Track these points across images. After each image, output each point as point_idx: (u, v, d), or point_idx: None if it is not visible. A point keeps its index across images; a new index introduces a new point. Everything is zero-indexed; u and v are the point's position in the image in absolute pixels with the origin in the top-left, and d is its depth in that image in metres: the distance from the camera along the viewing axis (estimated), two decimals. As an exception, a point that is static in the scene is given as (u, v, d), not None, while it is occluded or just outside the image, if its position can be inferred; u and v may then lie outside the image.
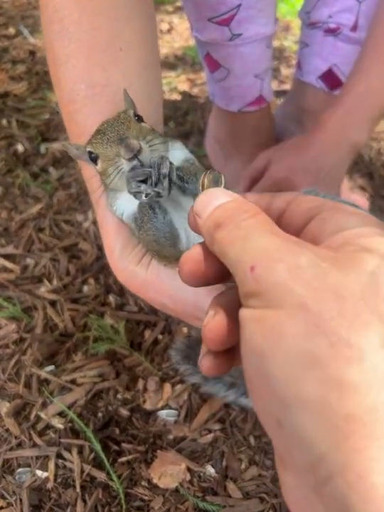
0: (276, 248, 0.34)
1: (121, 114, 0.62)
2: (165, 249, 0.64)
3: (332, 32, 1.23)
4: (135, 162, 0.56)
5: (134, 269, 0.69)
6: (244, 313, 0.35)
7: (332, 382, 0.29)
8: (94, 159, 0.63)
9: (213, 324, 0.40)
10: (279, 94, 1.99)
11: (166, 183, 0.56)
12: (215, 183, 0.46)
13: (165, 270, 0.68)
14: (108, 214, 0.70)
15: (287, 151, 1.15)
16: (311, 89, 1.33)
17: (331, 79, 1.29)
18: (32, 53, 2.43)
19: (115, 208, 0.66)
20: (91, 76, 0.69)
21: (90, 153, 0.63)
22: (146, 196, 0.58)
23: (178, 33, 2.63)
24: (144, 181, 0.58)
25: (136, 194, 0.58)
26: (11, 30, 2.66)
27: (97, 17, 0.68)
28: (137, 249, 0.70)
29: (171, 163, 0.57)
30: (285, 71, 2.30)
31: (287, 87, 2.10)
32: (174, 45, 2.50)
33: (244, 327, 0.35)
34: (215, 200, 0.41)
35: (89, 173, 0.70)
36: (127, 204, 0.64)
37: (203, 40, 1.12)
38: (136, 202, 0.62)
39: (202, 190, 0.45)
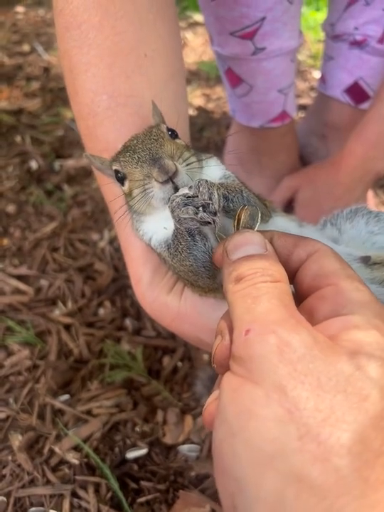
0: (275, 320, 0.35)
1: (153, 130, 0.56)
2: (202, 280, 0.57)
3: (358, 44, 1.19)
4: (169, 185, 0.51)
5: (165, 300, 0.64)
6: (226, 376, 0.37)
7: (292, 477, 0.28)
8: (120, 179, 0.57)
9: (222, 346, 0.42)
10: (296, 108, 1.95)
11: (218, 209, 0.49)
12: (252, 219, 0.45)
13: (202, 301, 0.62)
14: (133, 238, 0.64)
15: (313, 175, 1.12)
16: (336, 104, 1.28)
17: (357, 92, 1.24)
18: (46, 70, 2.43)
19: (141, 232, 0.60)
20: (113, 85, 0.64)
21: (117, 171, 0.57)
22: (201, 224, 0.51)
23: (191, 49, 2.61)
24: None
25: (181, 219, 0.51)
26: (26, 48, 2.67)
27: (119, 21, 0.62)
28: (167, 276, 0.64)
29: (218, 188, 0.50)
30: (301, 85, 2.26)
31: (304, 101, 2.07)
32: (188, 60, 2.48)
33: (221, 393, 0.36)
34: (248, 247, 0.42)
35: (112, 195, 0.65)
36: (156, 229, 0.58)
37: (225, 54, 1.08)
38: (168, 226, 0.56)
39: (237, 225, 0.44)
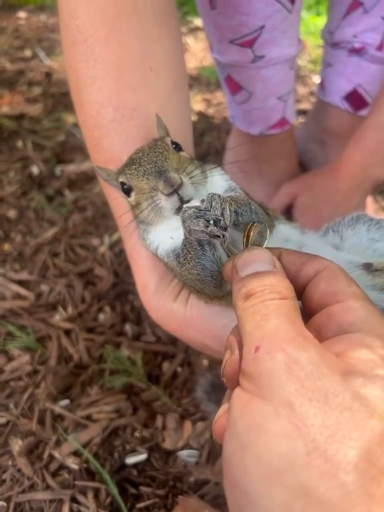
0: (284, 337, 0.36)
1: (158, 143, 0.57)
2: (209, 289, 0.58)
3: (357, 52, 1.19)
4: (174, 197, 0.52)
5: (171, 307, 0.65)
6: (236, 392, 0.38)
7: (300, 491, 0.29)
8: (126, 191, 0.58)
9: (231, 361, 0.43)
10: (296, 114, 1.96)
11: (229, 224, 0.50)
12: (260, 236, 0.47)
13: (208, 308, 0.63)
14: (139, 247, 0.65)
15: (312, 182, 1.13)
16: (335, 110, 1.29)
17: (355, 99, 1.25)
18: (48, 75, 2.45)
19: (148, 242, 0.61)
20: (119, 98, 0.65)
21: (123, 183, 0.58)
22: (210, 237, 0.51)
23: (192, 54, 2.63)
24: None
25: (192, 230, 0.51)
26: (27, 53, 2.68)
27: (126, 36, 0.63)
28: (173, 284, 0.65)
29: (230, 203, 0.51)
30: (301, 90, 2.27)
31: (304, 106, 2.08)
32: (189, 65, 2.49)
33: (231, 409, 0.37)
34: (257, 264, 0.43)
35: (121, 206, 0.66)
36: (162, 238, 0.59)
37: (224, 62, 1.09)
38: (175, 236, 0.57)
39: (246, 242, 0.46)
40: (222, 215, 0.49)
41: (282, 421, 0.32)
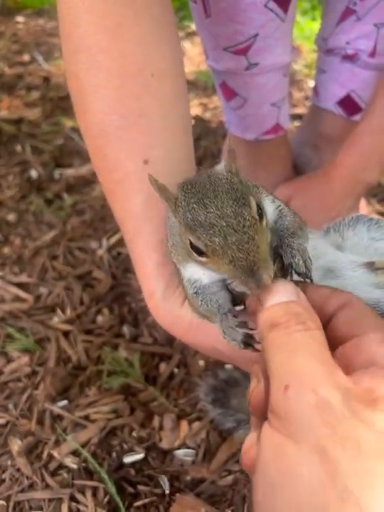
0: (315, 375, 0.36)
1: (245, 213, 0.47)
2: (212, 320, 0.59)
3: (350, 58, 1.22)
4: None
5: (178, 312, 0.64)
6: (265, 431, 0.37)
7: None
8: (196, 250, 0.50)
9: (257, 391, 0.42)
10: (291, 118, 1.98)
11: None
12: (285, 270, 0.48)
13: None
14: (146, 255, 0.66)
15: (306, 185, 1.15)
16: (329, 115, 1.32)
17: (349, 105, 1.27)
18: (46, 80, 2.47)
19: (183, 270, 0.60)
20: (124, 107, 0.65)
21: (193, 244, 0.49)
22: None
23: (189, 58, 2.65)
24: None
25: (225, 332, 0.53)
26: (26, 57, 2.70)
27: (127, 44, 0.64)
28: (180, 289, 0.65)
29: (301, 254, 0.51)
30: (297, 95, 2.29)
31: (299, 110, 2.10)
32: (186, 69, 2.51)
33: (262, 449, 0.37)
34: (282, 295, 0.43)
35: (126, 213, 0.67)
36: (196, 270, 0.57)
37: (219, 69, 1.11)
38: (205, 275, 0.57)
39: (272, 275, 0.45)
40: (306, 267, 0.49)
41: (315, 467, 0.31)
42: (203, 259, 0.50)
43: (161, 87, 0.67)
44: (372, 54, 1.19)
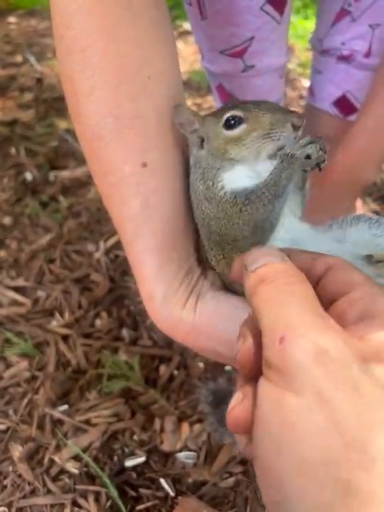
0: (309, 325, 0.35)
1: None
2: (248, 240, 0.60)
3: (345, 59, 1.22)
4: (296, 134, 0.55)
5: (179, 315, 0.63)
6: (263, 386, 0.36)
7: (339, 484, 0.29)
8: (233, 124, 0.58)
9: (245, 348, 0.42)
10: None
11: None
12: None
13: (217, 313, 0.63)
14: (145, 257, 0.65)
15: None
16: (325, 116, 1.32)
17: (345, 105, 1.27)
18: (39, 81, 2.46)
19: (218, 181, 0.61)
20: (119, 108, 0.63)
21: (233, 117, 0.58)
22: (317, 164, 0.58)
23: (182, 58, 2.65)
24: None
25: (293, 155, 0.56)
26: (18, 58, 2.69)
27: (124, 44, 0.62)
28: (180, 291, 0.64)
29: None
30: (290, 93, 2.30)
31: (294, 109, 2.10)
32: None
33: (260, 404, 0.36)
34: (266, 257, 0.42)
35: (124, 216, 0.66)
36: (237, 178, 0.60)
37: (215, 71, 1.11)
38: (252, 178, 0.59)
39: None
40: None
41: (317, 416, 0.31)
42: (237, 129, 0.58)
43: (157, 89, 0.66)
44: (368, 55, 1.20)
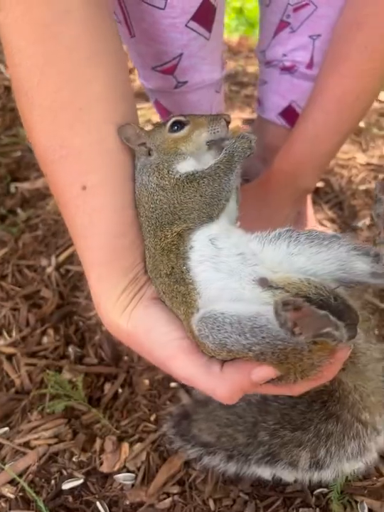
0: None
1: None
2: (203, 211, 0.70)
3: (288, 70, 1.21)
4: (227, 127, 0.74)
5: (117, 322, 0.69)
6: None
7: None
8: (179, 127, 0.73)
9: None
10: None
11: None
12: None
13: (142, 322, 0.68)
14: (91, 268, 0.72)
15: (244, 195, 1.14)
16: (272, 127, 1.31)
17: (291, 115, 1.27)
18: (7, 89, 2.42)
19: (175, 169, 0.72)
20: (59, 137, 0.70)
21: (179, 122, 0.73)
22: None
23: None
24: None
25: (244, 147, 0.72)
26: (-14, 66, 2.66)
27: (55, 80, 0.68)
28: (120, 300, 0.70)
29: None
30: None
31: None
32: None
33: None
34: None
35: (73, 233, 0.74)
36: (188, 165, 0.73)
37: (151, 87, 1.10)
38: (201, 166, 0.73)
39: None
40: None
41: None
42: (187, 127, 0.74)
43: (93, 114, 0.71)
44: (310, 66, 1.19)
